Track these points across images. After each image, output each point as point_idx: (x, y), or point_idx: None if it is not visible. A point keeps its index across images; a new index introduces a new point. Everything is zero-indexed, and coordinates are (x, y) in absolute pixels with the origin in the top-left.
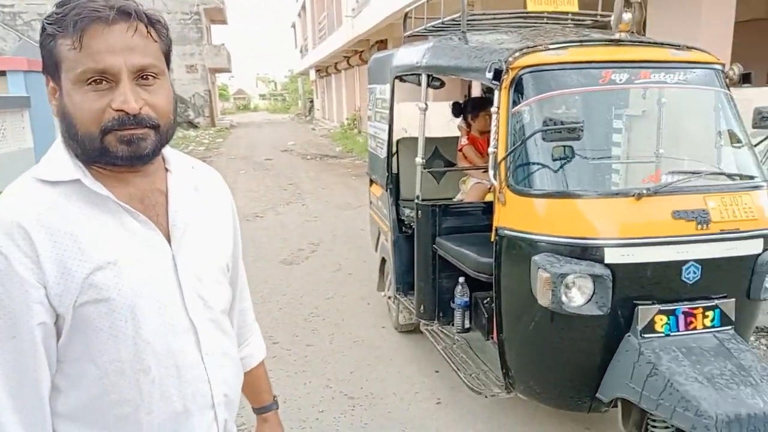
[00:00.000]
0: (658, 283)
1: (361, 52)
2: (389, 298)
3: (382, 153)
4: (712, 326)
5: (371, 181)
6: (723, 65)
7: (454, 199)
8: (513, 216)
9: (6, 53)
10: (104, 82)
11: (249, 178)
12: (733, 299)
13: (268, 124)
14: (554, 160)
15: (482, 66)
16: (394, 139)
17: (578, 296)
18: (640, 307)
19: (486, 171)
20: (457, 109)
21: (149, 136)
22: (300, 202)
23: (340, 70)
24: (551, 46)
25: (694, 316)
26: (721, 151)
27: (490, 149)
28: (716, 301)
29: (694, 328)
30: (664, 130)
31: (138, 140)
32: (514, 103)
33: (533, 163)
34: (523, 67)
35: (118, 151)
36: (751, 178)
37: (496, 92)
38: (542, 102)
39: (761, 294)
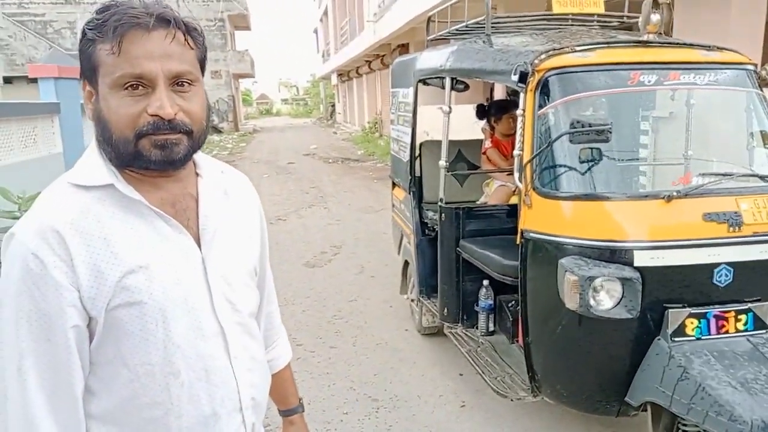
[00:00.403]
0: (689, 286)
1: (383, 56)
2: (412, 300)
3: (405, 156)
4: (746, 330)
5: (394, 185)
6: (755, 65)
7: (478, 202)
8: (539, 218)
9: (38, 61)
10: (140, 87)
11: (272, 182)
12: (767, 302)
13: (290, 128)
14: (581, 162)
15: (507, 69)
16: (417, 143)
17: (606, 299)
18: (670, 310)
19: (510, 174)
20: (481, 112)
21: (182, 141)
22: (322, 205)
23: (361, 75)
24: (578, 48)
25: (726, 319)
26: (753, 153)
27: (516, 152)
28: (749, 305)
29: (727, 332)
30: (694, 132)
31: (171, 145)
32: (540, 106)
33: (560, 166)
34: (550, 69)
35: (152, 155)
36: None
37: (522, 95)
38: (569, 104)
39: None
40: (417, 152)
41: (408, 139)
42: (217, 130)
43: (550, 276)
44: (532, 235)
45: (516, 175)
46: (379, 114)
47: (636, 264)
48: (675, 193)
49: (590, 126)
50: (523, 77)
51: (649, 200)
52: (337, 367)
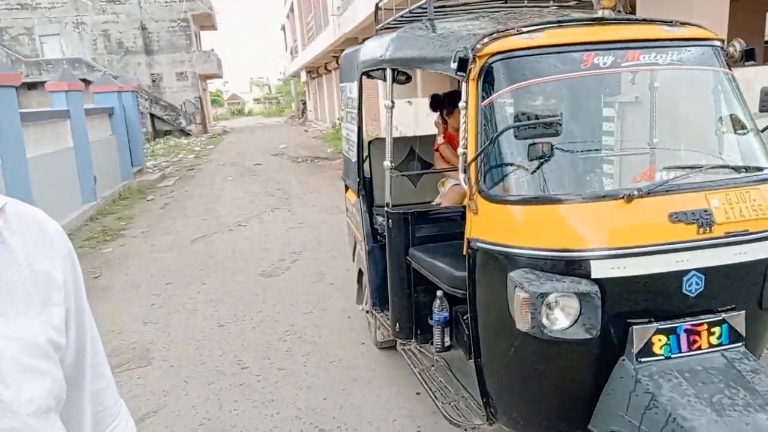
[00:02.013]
0: (656, 297)
1: None
2: (367, 312)
3: (354, 156)
4: (720, 344)
5: (346, 187)
6: (723, 41)
7: (433, 203)
8: (486, 226)
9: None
10: None
11: (236, 185)
12: (743, 311)
13: (261, 128)
14: (531, 160)
15: (447, 55)
16: (366, 141)
17: (562, 318)
18: (634, 326)
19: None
20: (436, 103)
21: None
22: (286, 207)
23: (330, 71)
24: (524, 30)
25: (699, 333)
26: (723, 140)
27: (460, 149)
28: (723, 315)
29: (699, 348)
30: (656, 119)
31: None
32: (484, 97)
33: (507, 165)
34: (493, 54)
35: None
36: (760, 169)
37: (463, 84)
38: (516, 93)
39: None
40: (366, 152)
41: (355, 138)
42: (185, 133)
43: (499, 291)
44: (479, 244)
45: (461, 176)
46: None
47: (594, 276)
48: (636, 192)
49: (537, 118)
50: (463, 64)
51: (607, 201)
52: (283, 392)
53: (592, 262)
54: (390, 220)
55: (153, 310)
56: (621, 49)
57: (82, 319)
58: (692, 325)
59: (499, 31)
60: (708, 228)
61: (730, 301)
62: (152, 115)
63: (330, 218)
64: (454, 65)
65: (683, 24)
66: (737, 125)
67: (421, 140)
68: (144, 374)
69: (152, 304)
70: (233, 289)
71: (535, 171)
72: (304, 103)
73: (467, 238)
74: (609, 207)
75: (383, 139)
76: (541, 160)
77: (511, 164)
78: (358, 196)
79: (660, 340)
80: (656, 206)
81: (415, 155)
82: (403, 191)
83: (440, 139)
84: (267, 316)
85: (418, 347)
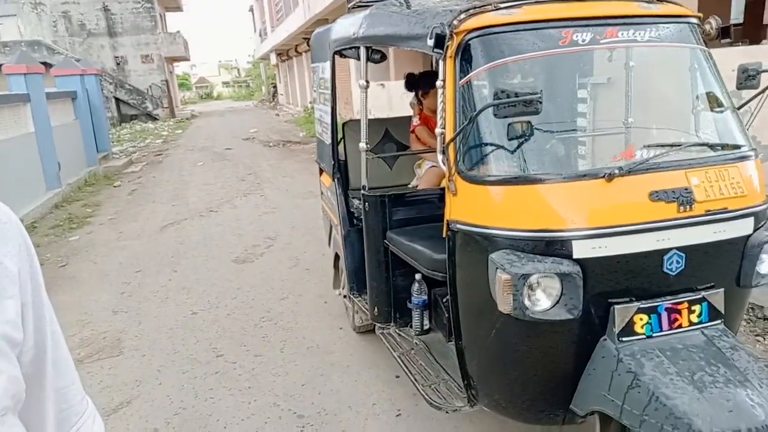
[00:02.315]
0: (636, 277)
1: None
2: (344, 297)
3: (328, 138)
4: (700, 322)
5: (321, 170)
6: (700, 18)
7: (410, 185)
8: (466, 207)
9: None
10: None
11: (206, 170)
12: (722, 289)
13: (231, 112)
14: (510, 139)
15: (423, 32)
16: (340, 123)
17: (544, 299)
18: (616, 306)
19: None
20: (411, 83)
21: None
22: (258, 192)
23: (300, 53)
24: (501, 5)
25: (679, 312)
26: (699, 118)
27: (438, 129)
28: (703, 293)
29: (680, 326)
30: (635, 97)
31: None
32: (461, 75)
33: (486, 144)
34: (470, 31)
35: None
36: (737, 147)
37: (440, 62)
38: (494, 71)
39: (753, 280)
40: (340, 134)
41: (329, 120)
42: (152, 117)
43: (480, 273)
44: (458, 226)
45: (439, 157)
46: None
47: (575, 256)
48: (617, 171)
49: (516, 96)
50: (440, 41)
51: (587, 180)
52: (260, 379)
53: (573, 242)
54: (367, 203)
55: (123, 298)
56: (599, 25)
57: (40, 312)
58: (673, 303)
59: (475, 7)
60: (688, 206)
61: (709, 279)
62: (117, 99)
63: (304, 203)
64: (430, 42)
65: (660, 0)
66: (715, 103)
67: (396, 122)
68: (115, 364)
69: (122, 292)
70: (206, 276)
71: (514, 151)
72: (275, 87)
73: (447, 220)
74: (589, 186)
75: (357, 121)
76: (521, 140)
77: (491, 144)
78: (333, 180)
79: (641, 319)
80: (636, 185)
81: (390, 137)
82: (378, 174)
83: (416, 121)
84: (242, 303)
85: (397, 331)
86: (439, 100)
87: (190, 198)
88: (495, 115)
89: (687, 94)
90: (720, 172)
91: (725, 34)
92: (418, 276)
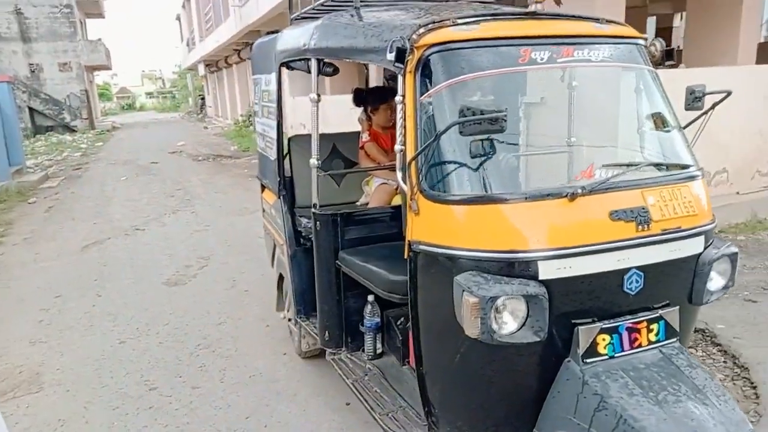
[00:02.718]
0: (599, 297)
1: (252, 44)
2: (289, 320)
3: (272, 154)
4: (657, 341)
5: (263, 187)
6: (646, 40)
7: (358, 203)
8: (429, 227)
9: None
10: None
11: (130, 185)
12: (677, 307)
13: (155, 123)
14: (473, 157)
15: (381, 45)
16: (285, 138)
17: (510, 321)
18: (580, 327)
19: (393, 170)
20: (359, 98)
21: None
22: (189, 209)
23: (231, 65)
24: (459, 21)
25: (639, 331)
26: (650, 138)
27: (397, 146)
28: (660, 311)
29: (639, 345)
30: (585, 117)
31: None
32: (422, 90)
33: (449, 163)
34: (431, 45)
35: None
36: (686, 167)
37: (400, 77)
38: (455, 88)
39: (704, 298)
40: (285, 149)
41: (274, 134)
42: (70, 129)
43: (444, 296)
44: (421, 247)
45: (399, 174)
46: (252, 106)
47: (541, 277)
48: (580, 190)
49: (482, 113)
50: (401, 55)
51: (551, 200)
52: (199, 413)
53: (539, 263)
54: (318, 222)
55: (41, 327)
56: (557, 44)
57: None
58: (633, 323)
59: (434, 22)
60: (646, 225)
61: (664, 298)
62: (31, 109)
63: (239, 220)
64: (390, 56)
65: (609, 21)
66: (663, 123)
67: (344, 137)
68: (35, 402)
69: (40, 320)
70: (134, 301)
71: (478, 169)
72: (203, 98)
73: (408, 241)
74: (553, 206)
75: (304, 136)
76: (485, 158)
77: (454, 162)
78: (279, 197)
79: (604, 339)
80: (597, 204)
81: (338, 153)
82: (326, 191)
83: (365, 137)
84: (175, 329)
85: (348, 356)
86: (399, 116)
87: (113, 215)
88: (461, 132)
89: (637, 114)
90: (673, 191)
91: (669, 56)
92: (370, 297)
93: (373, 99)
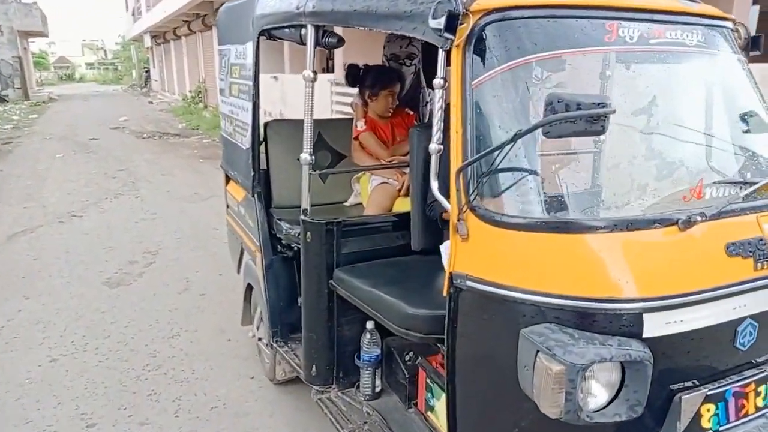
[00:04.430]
0: (707, 356)
1: (204, 15)
2: (259, 339)
3: (245, 142)
4: (765, 405)
5: (227, 178)
6: (734, 23)
7: (347, 203)
8: (482, 258)
9: None
10: None
11: (67, 163)
12: None
13: (96, 96)
14: (555, 168)
15: (416, 9)
16: (261, 123)
17: (601, 393)
18: (683, 396)
19: (397, 168)
20: (354, 77)
21: None
22: (133, 193)
23: (179, 36)
24: None
25: (746, 396)
26: (752, 146)
27: (433, 145)
28: (767, 369)
29: (746, 414)
30: (681, 117)
31: None
32: (476, 73)
33: (517, 171)
34: (490, 11)
35: None
36: None
37: (441, 53)
38: (522, 71)
39: None
40: (261, 136)
41: (248, 118)
42: (1, 99)
43: (501, 351)
44: (469, 283)
45: (434, 185)
46: (202, 82)
47: (646, 335)
48: (698, 217)
49: (579, 107)
50: (452, 22)
51: (658, 229)
52: None
53: (645, 315)
54: (309, 233)
55: None
56: (645, 20)
57: None
58: (740, 387)
59: None
60: (765, 262)
61: (765, 351)
62: None
63: (190, 207)
64: (436, 23)
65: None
66: (762, 127)
67: (332, 124)
68: None
69: None
70: (69, 305)
71: (559, 182)
72: (148, 71)
73: (451, 273)
74: (660, 237)
75: (283, 122)
76: (573, 169)
77: (524, 171)
78: (252, 195)
79: (708, 410)
80: (712, 235)
81: (324, 143)
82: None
83: (361, 125)
84: (118, 344)
85: (339, 394)
86: (437, 105)
87: (47, 198)
88: (545, 134)
89: (735, 116)
90: None
91: (755, 45)
92: (369, 324)
93: (373, 82)
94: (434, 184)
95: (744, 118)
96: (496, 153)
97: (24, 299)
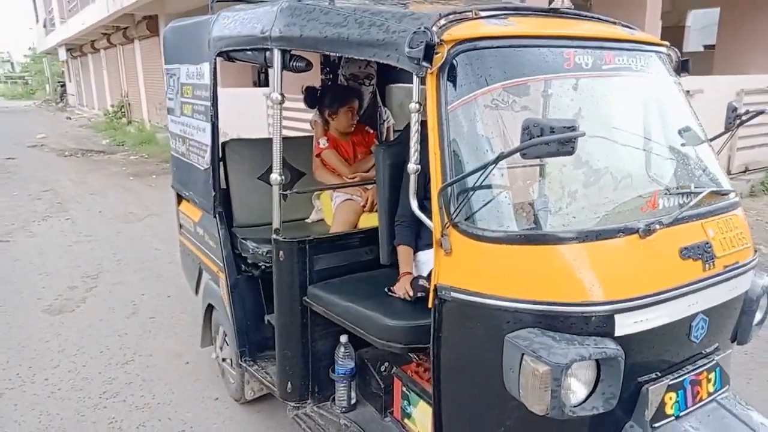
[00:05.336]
0: (668, 349)
1: (125, 28)
2: (223, 360)
3: (204, 162)
4: (715, 391)
5: (179, 198)
6: (668, 48)
7: (308, 220)
8: (465, 270)
9: None
10: None
11: None
12: (729, 351)
13: (6, 112)
14: (528, 185)
15: (389, 38)
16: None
17: (580, 389)
18: (649, 387)
19: (358, 186)
20: (312, 97)
21: None
22: (63, 215)
23: (98, 49)
24: (482, 14)
25: (700, 383)
26: (688, 160)
27: (411, 165)
28: (715, 358)
29: (701, 400)
30: (630, 136)
31: None
32: (450, 98)
33: (496, 188)
34: (460, 41)
35: None
36: (726, 192)
37: (416, 79)
38: (489, 95)
39: (748, 336)
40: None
41: (206, 138)
42: None
43: (486, 356)
44: (453, 294)
45: (413, 203)
46: (125, 96)
47: (617, 333)
48: (657, 225)
49: (552, 131)
50: (429, 51)
51: (622, 237)
52: None
53: (616, 316)
54: (281, 252)
55: None
56: (597, 48)
57: None
58: (695, 375)
59: (456, 13)
60: (711, 263)
61: (715, 342)
62: None
63: (126, 228)
64: (413, 51)
65: (626, 26)
66: (696, 142)
67: (289, 143)
68: None
69: None
70: (9, 336)
71: (537, 198)
72: (63, 86)
73: (435, 285)
74: (624, 245)
75: (241, 141)
76: (545, 185)
77: (502, 187)
78: (213, 215)
79: (671, 398)
80: (668, 241)
81: (284, 162)
82: (265, 207)
83: (323, 143)
84: (69, 373)
85: (315, 409)
86: (414, 128)
87: None
88: (523, 155)
89: (672, 132)
90: (727, 222)
91: (684, 68)
92: (344, 338)
93: (332, 100)
94: (414, 203)
95: (680, 132)
96: (479, 173)
97: None
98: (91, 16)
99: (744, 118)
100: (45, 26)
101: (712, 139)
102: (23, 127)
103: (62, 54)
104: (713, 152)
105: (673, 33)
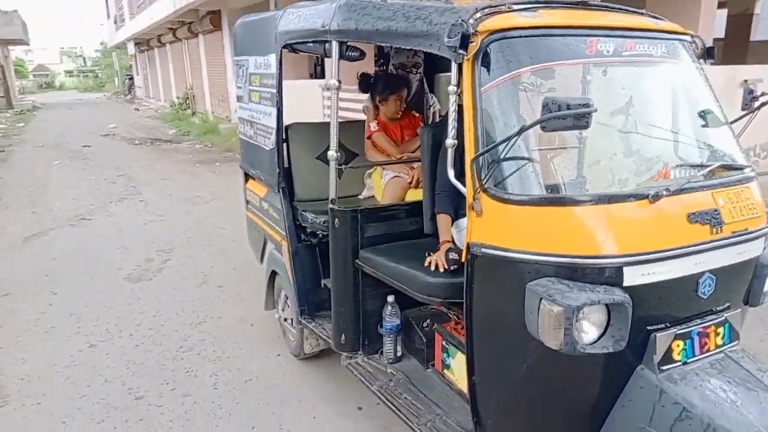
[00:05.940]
0: (675, 302)
1: (190, 23)
2: (285, 320)
3: (269, 143)
4: (723, 344)
5: (246, 176)
6: (692, 36)
7: (361, 196)
8: (493, 229)
9: None
10: None
11: (66, 170)
12: (739, 309)
13: (80, 104)
14: (549, 155)
15: (431, 30)
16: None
17: (592, 330)
18: (657, 334)
19: (406, 163)
20: (366, 83)
21: None
22: (137, 197)
23: (164, 44)
24: (515, 6)
25: (708, 335)
26: (707, 138)
27: (449, 141)
28: (725, 315)
29: (708, 350)
30: (649, 115)
31: None
32: (483, 81)
33: (521, 159)
34: (493, 32)
35: None
36: (742, 168)
37: (454, 65)
38: (520, 79)
39: (760, 299)
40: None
41: (272, 122)
42: None
43: (509, 303)
44: (483, 250)
45: (450, 172)
46: (190, 89)
47: (626, 284)
48: (665, 192)
49: (568, 107)
50: (465, 41)
51: (633, 202)
52: (198, 424)
53: (624, 268)
54: (336, 219)
55: None
56: (619, 37)
57: None
58: (703, 327)
59: (491, 6)
60: (719, 228)
61: (727, 301)
62: None
63: (195, 209)
64: (451, 41)
65: (654, 16)
66: (717, 123)
67: (344, 126)
68: (1, 418)
69: None
70: (96, 299)
71: (555, 166)
72: (131, 79)
73: (468, 243)
74: (635, 208)
75: (303, 125)
76: (560, 154)
77: (524, 158)
78: (277, 190)
79: (678, 345)
80: (675, 207)
81: (339, 144)
82: (323, 184)
83: (374, 126)
84: (150, 330)
85: (366, 360)
86: (452, 108)
87: (52, 203)
88: (543, 128)
89: (693, 113)
90: (738, 193)
91: (710, 55)
92: (390, 298)
93: (383, 88)
94: (451, 172)
95: (701, 114)
96: (504, 144)
97: (52, 295)
98: (158, 12)
99: (763, 100)
100: (115, 22)
101: (733, 122)
102: (96, 117)
103: (131, 48)
104: (732, 132)
105: (741, 21)
